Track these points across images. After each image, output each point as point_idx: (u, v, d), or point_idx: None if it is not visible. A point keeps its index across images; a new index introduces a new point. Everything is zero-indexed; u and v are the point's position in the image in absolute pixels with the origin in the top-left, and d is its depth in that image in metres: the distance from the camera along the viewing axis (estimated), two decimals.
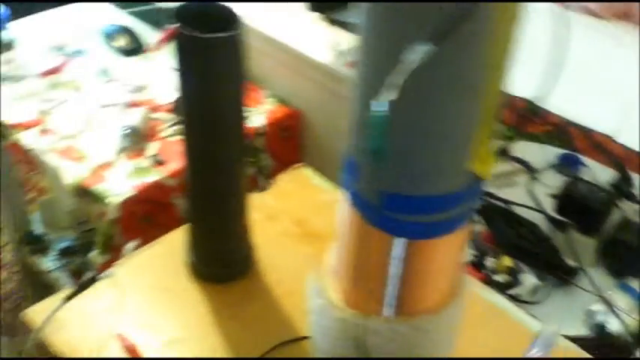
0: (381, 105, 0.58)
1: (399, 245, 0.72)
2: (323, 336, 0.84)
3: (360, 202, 0.72)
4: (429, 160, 0.65)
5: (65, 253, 1.87)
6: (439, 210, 0.69)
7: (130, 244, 1.15)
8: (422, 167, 0.66)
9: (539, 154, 1.77)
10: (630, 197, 1.55)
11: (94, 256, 1.49)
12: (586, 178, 1.61)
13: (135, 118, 1.61)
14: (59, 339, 1.02)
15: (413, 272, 0.74)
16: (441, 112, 0.62)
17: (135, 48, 1.92)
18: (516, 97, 1.95)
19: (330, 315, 0.81)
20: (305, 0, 1.87)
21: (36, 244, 1.91)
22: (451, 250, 0.75)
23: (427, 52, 0.55)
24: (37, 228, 1.97)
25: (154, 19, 2.00)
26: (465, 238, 0.77)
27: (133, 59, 1.89)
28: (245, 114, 1.04)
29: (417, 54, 0.56)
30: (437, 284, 0.77)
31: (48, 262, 1.87)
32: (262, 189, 1.36)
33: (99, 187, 1.47)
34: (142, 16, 2.03)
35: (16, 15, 1.94)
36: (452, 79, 0.60)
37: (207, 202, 1.08)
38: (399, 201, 0.68)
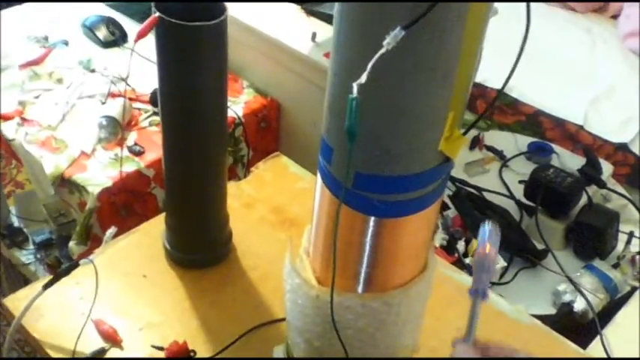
0: (356, 87, 0.60)
1: (370, 224, 0.75)
2: (298, 314, 0.87)
3: (333, 183, 0.75)
4: (401, 140, 0.68)
5: (42, 246, 1.87)
6: (409, 189, 0.72)
7: (110, 231, 1.16)
8: (394, 148, 0.68)
9: (511, 142, 1.82)
10: (597, 183, 1.59)
11: (72, 246, 1.50)
12: (555, 165, 1.66)
13: (114, 108, 1.62)
14: (39, 326, 1.03)
15: (383, 250, 0.77)
16: (413, 94, 0.65)
17: (116, 39, 1.92)
18: (489, 88, 1.99)
19: (304, 293, 0.83)
20: None
21: (13, 237, 1.90)
22: (420, 228, 0.78)
23: (399, 37, 0.58)
24: (14, 221, 1.96)
25: (135, 10, 2.00)
26: (433, 217, 0.80)
27: (114, 50, 1.90)
28: (226, 103, 1.05)
29: (390, 39, 0.59)
30: (406, 261, 0.80)
31: (25, 255, 1.87)
32: (240, 178, 1.38)
33: (79, 177, 1.48)
34: (123, 7, 2.04)
35: None
36: (423, 62, 0.63)
37: (186, 190, 1.10)
38: (371, 181, 0.71)
